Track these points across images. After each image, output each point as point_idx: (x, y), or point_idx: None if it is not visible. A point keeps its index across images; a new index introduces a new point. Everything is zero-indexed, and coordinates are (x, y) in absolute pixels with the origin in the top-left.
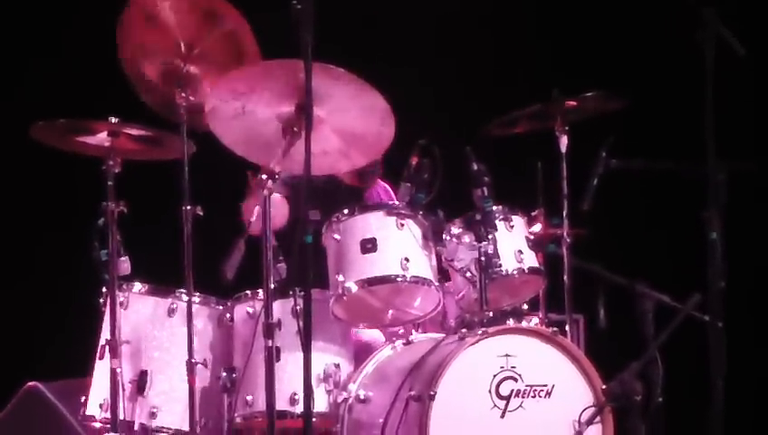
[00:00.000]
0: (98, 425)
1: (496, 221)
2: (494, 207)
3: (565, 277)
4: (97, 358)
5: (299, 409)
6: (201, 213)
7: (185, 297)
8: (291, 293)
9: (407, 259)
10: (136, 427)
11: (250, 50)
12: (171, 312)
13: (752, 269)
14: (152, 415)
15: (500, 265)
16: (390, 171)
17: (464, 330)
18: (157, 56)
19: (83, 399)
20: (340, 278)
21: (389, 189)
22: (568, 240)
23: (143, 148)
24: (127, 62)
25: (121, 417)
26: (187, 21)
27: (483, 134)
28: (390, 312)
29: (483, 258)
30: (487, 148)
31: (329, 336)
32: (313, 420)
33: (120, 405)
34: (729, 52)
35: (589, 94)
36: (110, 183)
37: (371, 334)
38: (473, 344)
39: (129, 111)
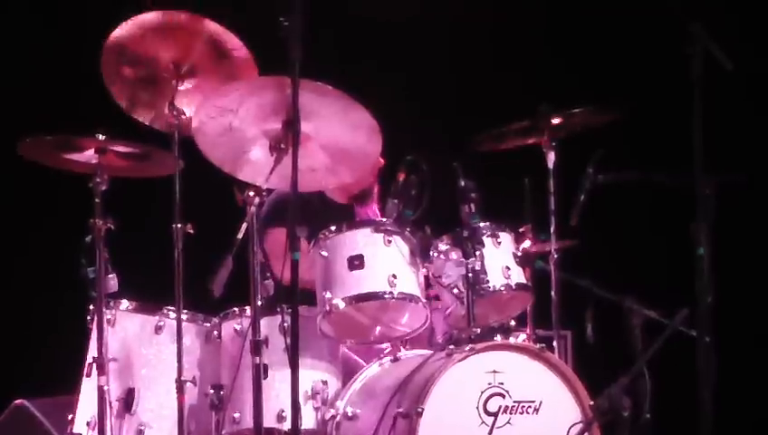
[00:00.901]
0: None
1: (484, 237)
2: (482, 224)
3: (553, 293)
4: (84, 376)
5: (287, 426)
6: (192, 231)
7: (172, 314)
8: (278, 309)
9: (394, 276)
10: None
11: (237, 54)
12: (158, 329)
13: (743, 281)
14: (140, 433)
15: (487, 282)
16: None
17: (451, 346)
18: (147, 82)
19: (70, 417)
20: (328, 295)
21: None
22: (555, 256)
23: (131, 164)
24: (117, 93)
25: None
26: (165, 44)
27: (471, 150)
28: (378, 328)
29: (470, 275)
30: (475, 163)
31: (316, 353)
32: None
33: (108, 423)
34: (718, 65)
35: (576, 110)
36: (97, 200)
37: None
38: (460, 361)
39: (117, 128)
